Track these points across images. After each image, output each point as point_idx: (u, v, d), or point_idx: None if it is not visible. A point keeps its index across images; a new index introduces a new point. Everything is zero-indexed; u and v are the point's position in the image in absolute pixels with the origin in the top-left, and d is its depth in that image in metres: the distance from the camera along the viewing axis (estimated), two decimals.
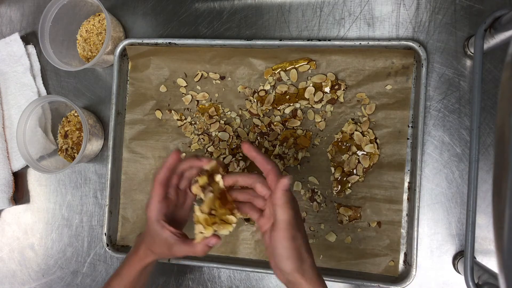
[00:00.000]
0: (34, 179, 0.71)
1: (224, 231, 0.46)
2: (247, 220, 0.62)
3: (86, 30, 0.68)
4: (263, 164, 0.45)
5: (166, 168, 0.49)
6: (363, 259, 0.58)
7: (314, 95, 0.60)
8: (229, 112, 0.63)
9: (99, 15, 0.68)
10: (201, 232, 0.46)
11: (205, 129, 0.64)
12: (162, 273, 0.65)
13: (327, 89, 0.60)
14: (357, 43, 0.58)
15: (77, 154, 0.67)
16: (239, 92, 0.63)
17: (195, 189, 0.48)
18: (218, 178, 0.47)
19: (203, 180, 0.47)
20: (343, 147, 0.59)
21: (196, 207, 0.46)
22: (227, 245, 0.62)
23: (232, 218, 0.47)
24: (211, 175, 0.48)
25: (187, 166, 0.50)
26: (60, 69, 0.63)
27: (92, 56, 0.68)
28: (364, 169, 0.59)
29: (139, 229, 0.65)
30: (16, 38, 0.70)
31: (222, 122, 0.63)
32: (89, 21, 0.68)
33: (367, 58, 0.59)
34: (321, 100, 0.60)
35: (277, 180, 0.44)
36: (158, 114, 0.65)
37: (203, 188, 0.48)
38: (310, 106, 0.61)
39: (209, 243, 0.47)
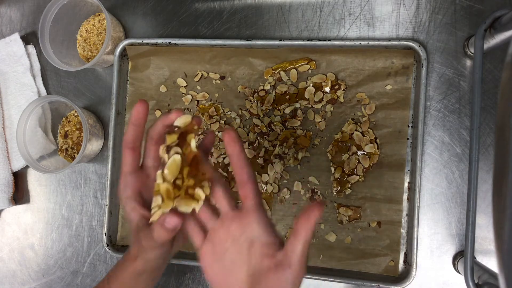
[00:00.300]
0: (34, 179, 0.71)
1: (186, 207, 0.36)
2: None
3: (86, 30, 0.68)
4: (242, 167, 0.36)
5: (132, 124, 0.38)
6: (363, 259, 0.58)
7: (314, 95, 0.60)
8: (229, 112, 0.63)
9: (99, 15, 0.68)
10: (159, 207, 0.36)
11: (205, 129, 0.64)
12: (163, 273, 0.65)
13: (327, 89, 0.60)
14: (357, 43, 0.58)
15: (77, 154, 0.67)
16: (239, 92, 0.63)
17: (161, 149, 0.37)
18: (191, 138, 0.37)
19: (171, 138, 0.37)
20: (343, 147, 0.59)
21: (158, 173, 0.36)
22: None
23: (199, 193, 0.36)
24: (185, 134, 0.38)
25: (161, 126, 0.39)
26: (60, 69, 0.63)
27: (92, 56, 0.68)
28: (364, 169, 0.59)
29: None
30: (16, 38, 0.70)
31: (222, 122, 0.63)
32: (89, 21, 0.68)
33: (367, 58, 0.59)
34: (321, 100, 0.60)
35: (255, 193, 0.36)
36: (158, 114, 0.65)
37: (170, 149, 0.37)
38: (310, 106, 0.61)
39: (165, 222, 0.35)
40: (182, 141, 0.37)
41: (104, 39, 0.66)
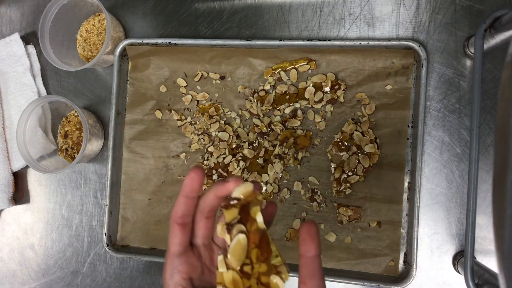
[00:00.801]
0: (34, 179, 0.71)
1: None
2: None
3: (86, 30, 0.68)
4: (312, 277, 0.29)
5: (183, 196, 0.32)
6: (363, 259, 0.58)
7: (314, 95, 0.60)
8: (229, 112, 0.63)
9: (99, 15, 0.68)
10: None
11: (205, 129, 0.64)
12: (162, 273, 0.65)
13: (327, 89, 0.60)
14: (357, 43, 0.58)
15: (77, 154, 0.67)
16: (239, 92, 0.63)
17: (219, 228, 0.31)
18: (255, 212, 0.30)
19: (231, 214, 0.30)
20: (343, 147, 0.59)
21: (220, 259, 0.30)
22: None
23: (277, 281, 0.29)
24: (246, 206, 0.31)
25: (214, 198, 0.32)
26: (60, 69, 0.63)
27: (92, 56, 0.68)
28: (364, 169, 0.59)
29: (139, 229, 0.65)
30: (16, 38, 0.70)
31: (222, 122, 0.63)
32: (89, 21, 0.68)
33: (367, 58, 0.59)
34: (321, 100, 0.60)
35: None
36: (158, 114, 0.65)
37: (231, 227, 0.30)
38: (310, 106, 0.61)
39: None
40: (243, 215, 0.31)
41: (104, 39, 0.66)
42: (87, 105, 0.69)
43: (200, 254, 0.33)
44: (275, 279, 0.29)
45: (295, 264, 0.59)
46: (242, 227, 0.30)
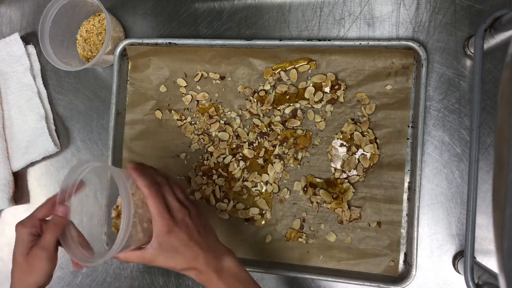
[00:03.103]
0: (34, 179, 0.70)
1: None
2: (247, 220, 0.62)
3: (86, 30, 0.68)
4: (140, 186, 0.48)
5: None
6: (363, 259, 0.58)
7: (314, 95, 0.60)
8: (229, 112, 0.63)
9: (99, 15, 0.68)
10: None
11: (205, 129, 0.64)
12: (162, 273, 0.65)
13: (327, 89, 0.60)
14: (357, 43, 0.58)
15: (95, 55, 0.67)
16: (239, 92, 0.63)
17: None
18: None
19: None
20: (343, 147, 0.59)
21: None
22: (227, 245, 0.62)
23: None
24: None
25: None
26: (60, 69, 0.63)
27: (92, 56, 0.68)
28: (364, 169, 0.59)
29: None
30: (16, 38, 0.70)
31: (222, 122, 0.63)
32: (89, 21, 0.68)
33: (367, 58, 0.59)
34: (321, 100, 0.60)
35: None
36: (158, 114, 0.65)
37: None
38: (310, 106, 0.61)
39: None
40: None
41: (104, 39, 0.66)
42: (87, 105, 0.69)
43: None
44: None
45: (295, 264, 0.60)
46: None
